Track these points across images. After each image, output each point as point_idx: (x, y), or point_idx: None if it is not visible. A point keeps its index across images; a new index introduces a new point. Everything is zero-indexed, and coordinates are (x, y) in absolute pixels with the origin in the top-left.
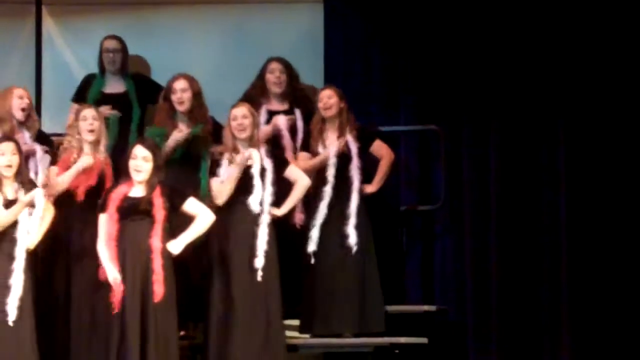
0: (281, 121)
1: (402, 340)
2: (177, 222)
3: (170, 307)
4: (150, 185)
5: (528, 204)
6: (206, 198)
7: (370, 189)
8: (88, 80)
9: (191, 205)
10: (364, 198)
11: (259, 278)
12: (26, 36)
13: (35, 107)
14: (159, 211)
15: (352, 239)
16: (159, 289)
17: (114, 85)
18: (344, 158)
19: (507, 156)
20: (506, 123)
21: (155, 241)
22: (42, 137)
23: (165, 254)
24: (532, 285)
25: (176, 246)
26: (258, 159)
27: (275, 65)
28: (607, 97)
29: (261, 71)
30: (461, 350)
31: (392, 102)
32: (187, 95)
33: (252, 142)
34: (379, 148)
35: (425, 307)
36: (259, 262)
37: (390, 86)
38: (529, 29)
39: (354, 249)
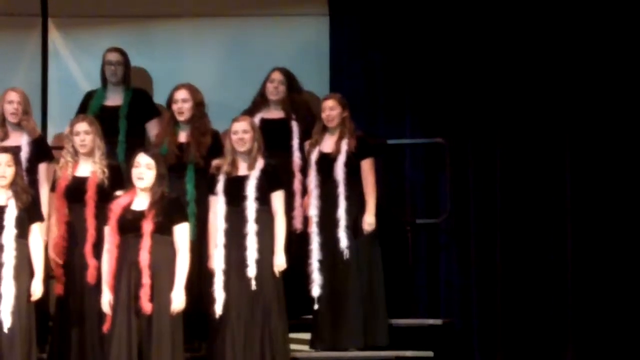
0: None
1: (408, 353)
2: None
3: (168, 321)
4: (153, 193)
5: (534, 216)
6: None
7: (368, 226)
8: (88, 96)
9: (180, 233)
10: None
11: (253, 287)
12: (32, 48)
13: (41, 119)
14: (148, 224)
15: (343, 242)
16: (146, 304)
17: (114, 98)
18: (331, 161)
19: (513, 168)
20: (512, 135)
21: (143, 254)
22: (40, 146)
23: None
24: (538, 298)
25: (177, 301)
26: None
27: (275, 75)
28: (613, 108)
29: (264, 79)
30: None
31: (397, 114)
32: (188, 106)
33: (251, 155)
34: (365, 169)
35: (431, 321)
36: (251, 271)
37: (396, 98)
38: (534, 42)
39: (345, 252)
